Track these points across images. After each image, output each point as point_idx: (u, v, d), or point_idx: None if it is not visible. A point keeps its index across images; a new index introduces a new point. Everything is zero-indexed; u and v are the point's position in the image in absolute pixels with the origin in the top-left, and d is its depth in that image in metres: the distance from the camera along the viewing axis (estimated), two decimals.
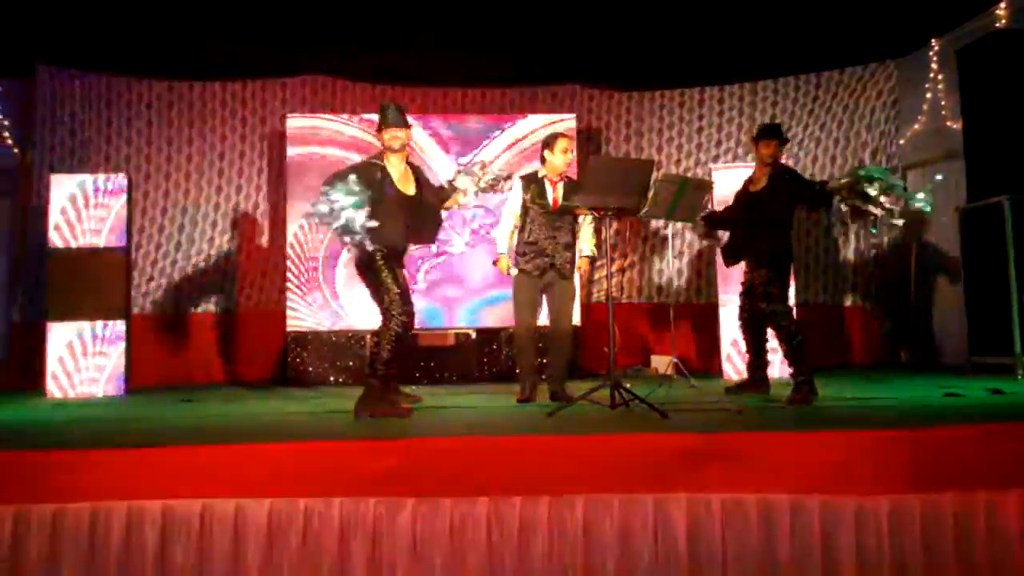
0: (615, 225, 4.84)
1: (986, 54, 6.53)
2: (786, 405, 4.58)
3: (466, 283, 7.50)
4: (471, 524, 2.97)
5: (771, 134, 5.19)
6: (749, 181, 5.34)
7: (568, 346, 5.32)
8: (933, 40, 7.58)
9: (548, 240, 5.07)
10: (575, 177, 5.44)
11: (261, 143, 8.07)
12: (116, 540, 2.97)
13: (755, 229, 5.08)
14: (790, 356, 4.83)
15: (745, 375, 5.67)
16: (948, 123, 7.41)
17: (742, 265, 5.43)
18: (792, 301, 5.60)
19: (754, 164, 5.39)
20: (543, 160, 5.18)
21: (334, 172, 4.44)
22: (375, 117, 4.77)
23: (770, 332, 5.10)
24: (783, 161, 5.28)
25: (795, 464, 3.05)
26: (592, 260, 5.63)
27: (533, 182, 5.16)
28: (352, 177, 4.22)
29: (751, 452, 3.10)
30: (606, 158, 7.16)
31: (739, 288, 5.54)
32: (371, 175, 4.42)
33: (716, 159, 8.23)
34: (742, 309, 5.44)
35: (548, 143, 5.14)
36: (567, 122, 7.73)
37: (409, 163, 4.74)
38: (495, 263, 5.36)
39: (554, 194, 5.11)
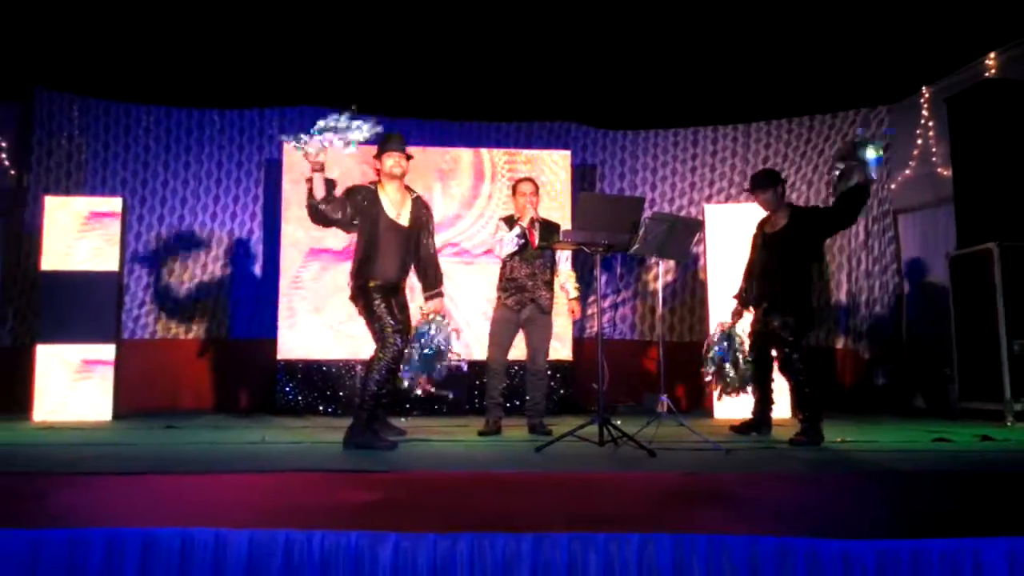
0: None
1: (976, 102, 6.62)
2: (789, 444, 4.57)
3: (458, 314, 7.47)
4: (454, 559, 2.94)
5: (753, 187, 5.15)
6: (765, 222, 5.19)
7: (546, 380, 5.51)
8: (924, 88, 7.70)
9: (528, 277, 5.29)
10: (549, 219, 5.62)
11: (257, 171, 8.10)
12: (95, 568, 2.93)
13: (773, 272, 4.99)
14: (801, 402, 4.81)
15: (739, 415, 5.64)
16: (938, 170, 7.49)
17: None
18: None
19: (746, 203, 5.40)
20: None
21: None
22: (371, 146, 4.79)
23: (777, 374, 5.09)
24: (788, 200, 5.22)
25: (782, 506, 3.04)
26: (578, 300, 5.66)
27: (512, 225, 5.35)
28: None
29: (738, 492, 3.09)
30: (596, 195, 7.21)
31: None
32: (364, 196, 4.48)
33: (709, 198, 8.29)
34: (750, 351, 5.23)
35: (513, 189, 5.53)
36: (564, 158, 7.79)
37: (417, 199, 4.73)
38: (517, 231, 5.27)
39: (531, 235, 5.32)
